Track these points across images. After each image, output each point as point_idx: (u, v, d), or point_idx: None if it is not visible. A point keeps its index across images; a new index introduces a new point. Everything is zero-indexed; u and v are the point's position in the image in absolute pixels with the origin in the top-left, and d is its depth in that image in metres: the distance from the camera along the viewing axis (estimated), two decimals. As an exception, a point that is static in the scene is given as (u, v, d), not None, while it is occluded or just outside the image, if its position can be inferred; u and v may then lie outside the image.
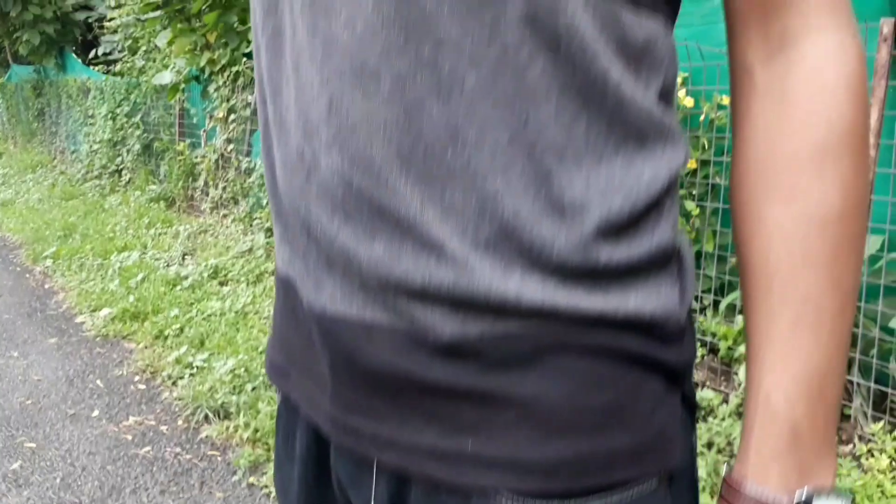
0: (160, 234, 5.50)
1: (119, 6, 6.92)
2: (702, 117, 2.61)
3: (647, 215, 0.47)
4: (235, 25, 5.38)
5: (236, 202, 5.69)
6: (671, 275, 0.49)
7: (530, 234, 0.44)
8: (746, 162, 0.48)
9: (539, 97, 0.44)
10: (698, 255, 2.69)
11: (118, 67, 7.59)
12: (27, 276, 4.66)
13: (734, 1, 0.48)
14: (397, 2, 0.43)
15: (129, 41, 7.13)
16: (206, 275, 4.31)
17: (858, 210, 0.46)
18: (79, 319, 3.77)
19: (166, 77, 5.93)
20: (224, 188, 5.80)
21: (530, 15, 0.43)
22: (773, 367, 0.46)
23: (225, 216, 5.72)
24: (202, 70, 5.77)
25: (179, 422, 2.63)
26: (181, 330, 3.43)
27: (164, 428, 2.60)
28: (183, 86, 6.05)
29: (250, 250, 4.71)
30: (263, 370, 2.91)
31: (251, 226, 5.21)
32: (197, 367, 2.99)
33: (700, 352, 2.66)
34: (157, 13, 5.81)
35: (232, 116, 5.55)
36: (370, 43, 0.44)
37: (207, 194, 6.02)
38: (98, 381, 2.99)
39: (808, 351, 0.45)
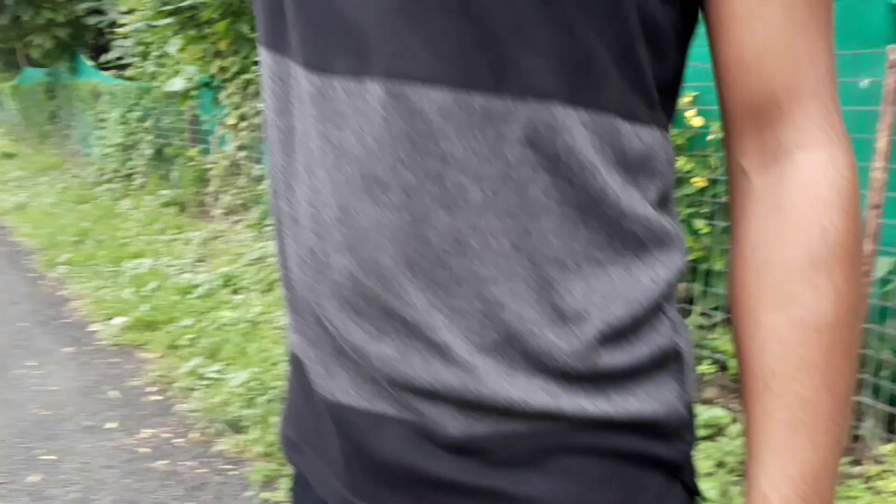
0: (172, 241, 5.55)
1: (130, 12, 6.97)
2: (710, 136, 2.63)
3: (647, 319, 0.49)
4: (246, 33, 5.42)
5: (247, 208, 5.73)
6: (671, 373, 0.52)
7: (534, 341, 0.47)
8: (743, 266, 0.50)
9: (540, 210, 0.46)
10: (707, 273, 2.71)
11: (130, 72, 7.64)
12: (42, 282, 4.71)
13: (730, 109, 0.50)
14: (404, 118, 0.46)
15: (141, 47, 7.17)
16: (218, 283, 4.35)
17: (851, 317, 0.48)
18: (93, 328, 3.81)
19: (178, 84, 5.98)
20: (235, 194, 5.86)
21: (530, 136, 0.45)
22: (770, 467, 0.48)
23: (236, 222, 5.77)
24: (213, 77, 5.83)
25: (193, 435, 2.67)
26: (194, 340, 3.47)
27: (178, 441, 2.63)
28: (194, 92, 6.10)
29: (262, 258, 4.75)
30: (275, 382, 2.96)
31: (262, 232, 5.25)
32: (210, 379, 3.03)
33: (710, 369, 2.68)
34: (169, 20, 5.87)
35: (243, 124, 5.60)
36: (379, 155, 0.47)
37: (219, 200, 6.07)
38: (113, 392, 3.03)
39: (804, 453, 0.47)
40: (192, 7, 5.60)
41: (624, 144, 0.48)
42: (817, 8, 0.47)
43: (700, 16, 0.51)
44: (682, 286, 2.82)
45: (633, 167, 0.49)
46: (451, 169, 0.46)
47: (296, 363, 0.59)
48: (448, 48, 0.45)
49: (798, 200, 0.47)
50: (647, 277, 0.49)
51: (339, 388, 0.52)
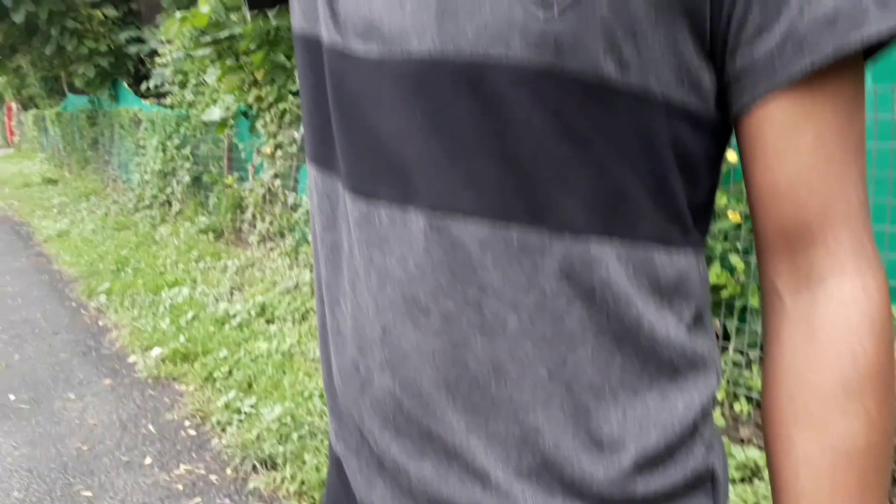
0: (209, 269, 5.63)
1: (170, 42, 7.13)
2: (746, 172, 2.60)
3: (682, 443, 0.49)
4: (283, 63, 5.51)
5: (283, 236, 5.80)
6: (706, 493, 0.51)
7: (571, 467, 0.47)
8: (776, 388, 0.50)
9: (576, 340, 0.47)
10: (744, 309, 2.67)
11: (169, 100, 7.81)
12: (82, 311, 4.80)
13: (763, 231, 0.50)
14: (445, 248, 0.47)
15: (180, 75, 7.33)
16: (253, 312, 4.40)
17: (883, 444, 0.48)
18: (131, 359, 3.88)
19: (215, 113, 6.09)
20: (271, 222, 5.93)
21: (566, 269, 0.46)
22: None
23: (271, 249, 5.84)
24: (250, 106, 5.93)
25: (228, 471, 2.69)
26: (230, 372, 3.51)
27: (213, 477, 2.66)
28: (231, 121, 6.21)
29: (296, 287, 4.80)
30: (308, 418, 2.98)
31: (297, 259, 5.31)
32: (245, 414, 3.06)
33: (746, 408, 2.64)
34: (207, 51, 5.99)
35: (279, 152, 5.67)
36: (420, 281, 0.48)
37: (255, 227, 6.15)
38: (150, 426, 3.08)
39: None
40: (230, 38, 5.71)
41: (658, 272, 0.48)
42: (848, 136, 0.47)
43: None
44: (716, 323, 2.78)
45: (668, 292, 0.49)
46: (490, 298, 0.47)
47: (336, 465, 0.60)
48: (486, 184, 0.47)
49: (830, 327, 0.48)
50: (682, 402, 0.50)
51: (379, 498, 0.53)
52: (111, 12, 9.33)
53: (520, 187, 0.46)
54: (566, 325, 0.47)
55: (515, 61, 0.45)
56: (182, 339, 3.96)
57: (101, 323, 4.55)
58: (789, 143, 0.47)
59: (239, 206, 6.48)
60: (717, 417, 2.65)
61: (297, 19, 0.60)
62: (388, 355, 0.50)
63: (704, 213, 0.53)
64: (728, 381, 2.70)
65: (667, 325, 0.49)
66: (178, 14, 6.26)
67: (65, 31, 9.09)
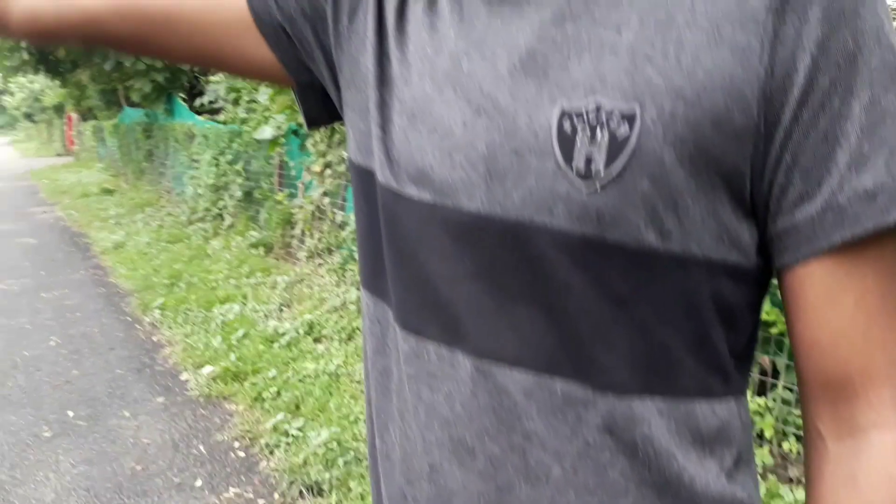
0: (259, 284, 5.74)
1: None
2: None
3: None
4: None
5: (330, 252, 5.89)
6: None
7: None
8: None
9: (618, 491, 0.49)
10: (776, 369, 2.65)
11: (222, 116, 7.98)
12: (137, 326, 4.94)
13: (805, 379, 0.52)
14: (490, 393, 0.50)
15: (233, 93, 7.49)
16: (301, 331, 4.48)
17: None
18: (184, 377, 3.98)
19: (266, 132, 6.21)
20: (319, 238, 6.02)
21: (609, 424, 0.48)
22: None
23: (319, 265, 5.93)
24: (300, 125, 6.04)
25: (276, 496, 2.75)
26: (278, 393, 3.58)
27: (261, 502, 2.72)
28: (282, 140, 6.33)
29: (343, 305, 4.86)
30: (354, 443, 3.02)
31: (344, 277, 5.38)
32: (292, 437, 3.12)
33: (794, 447, 2.60)
34: (260, 71, 6.12)
35: (328, 171, 5.77)
36: (467, 422, 0.51)
37: (304, 243, 6.25)
38: (201, 447, 3.16)
39: None
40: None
41: (700, 424, 0.50)
42: (890, 296, 0.48)
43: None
44: (764, 359, 2.75)
45: (709, 441, 0.51)
46: (534, 445, 0.50)
47: None
48: (532, 336, 0.49)
49: (873, 478, 0.49)
50: None
51: None
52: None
53: (563, 342, 0.49)
54: (609, 476, 0.49)
55: (559, 228, 0.47)
56: (233, 357, 4.06)
57: (154, 338, 4.67)
58: (831, 302, 0.48)
59: (289, 222, 6.60)
60: (765, 455, 2.62)
61: (353, 150, 0.63)
62: (435, 492, 0.53)
63: (746, 355, 0.54)
64: (777, 419, 2.67)
65: (707, 475, 0.50)
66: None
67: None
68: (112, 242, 7.74)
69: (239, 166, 7.58)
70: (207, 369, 3.97)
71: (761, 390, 2.77)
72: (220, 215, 8.05)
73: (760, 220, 0.49)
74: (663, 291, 0.48)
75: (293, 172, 6.61)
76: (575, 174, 0.46)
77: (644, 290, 0.48)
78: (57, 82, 13.59)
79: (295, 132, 6.27)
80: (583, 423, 0.49)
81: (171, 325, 4.81)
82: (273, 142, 6.41)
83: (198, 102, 8.71)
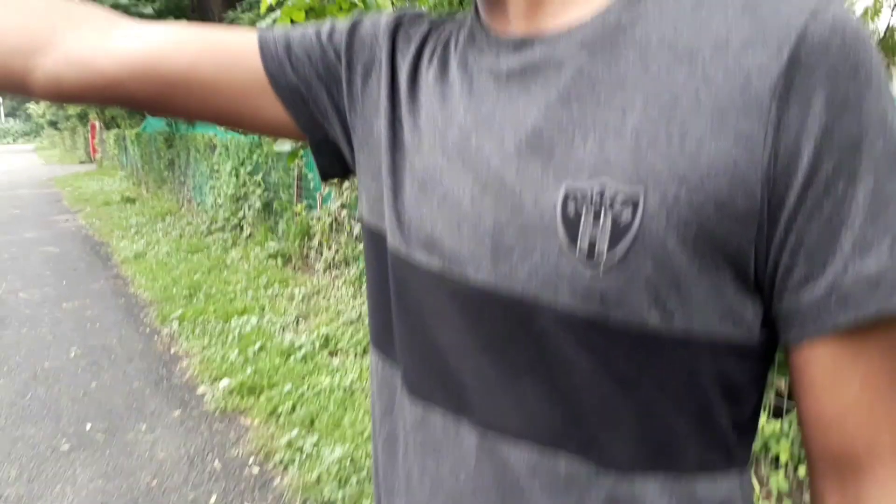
0: (277, 296, 5.77)
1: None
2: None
3: None
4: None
5: (347, 264, 5.91)
6: None
7: None
8: None
9: None
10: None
11: (242, 127, 8.05)
12: (155, 338, 4.98)
13: (812, 454, 0.51)
14: (495, 467, 0.50)
15: (253, 105, 7.57)
16: (317, 344, 4.50)
17: None
18: (200, 390, 4.00)
19: (286, 145, 6.24)
20: (337, 250, 6.05)
21: (611, 502, 0.48)
22: None
23: (336, 277, 5.96)
24: (319, 137, 6.09)
25: (290, 514, 2.76)
26: (293, 408, 3.60)
27: (275, 520, 2.73)
28: (301, 152, 6.37)
29: (359, 318, 4.88)
30: (367, 461, 3.03)
31: (360, 289, 5.40)
32: (307, 453, 3.13)
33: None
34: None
35: (346, 183, 5.79)
36: (471, 497, 0.51)
37: (321, 254, 6.29)
38: (216, 462, 3.17)
39: None
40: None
41: (701, 499, 0.50)
42: (895, 374, 0.48)
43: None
44: (781, 381, 2.72)
45: None
46: None
47: None
48: (536, 411, 0.49)
49: None
50: None
51: None
52: (190, 40, 9.67)
53: (568, 418, 0.49)
54: None
55: (563, 307, 0.47)
56: (249, 370, 4.08)
57: (172, 350, 4.71)
58: (837, 381, 0.48)
59: (307, 234, 6.64)
60: (780, 481, 2.59)
61: (365, 210, 0.64)
62: None
63: (750, 427, 0.54)
64: (792, 443, 2.64)
65: None
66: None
67: (146, 59, 9.46)
68: (132, 252, 7.82)
69: (259, 177, 7.64)
70: (224, 383, 4.00)
71: (777, 413, 2.75)
72: (240, 225, 8.11)
73: (765, 296, 0.49)
74: (667, 371, 0.48)
75: (312, 184, 6.66)
76: (579, 255, 0.47)
77: (648, 370, 0.48)
78: (81, 91, 13.75)
79: (314, 144, 6.32)
80: (585, 501, 0.48)
81: (189, 337, 4.84)
82: (292, 154, 6.46)
83: (218, 113, 8.78)
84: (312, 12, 5.34)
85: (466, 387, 0.52)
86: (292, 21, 5.32)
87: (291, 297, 5.66)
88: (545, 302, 0.48)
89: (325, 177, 0.74)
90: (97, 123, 20.85)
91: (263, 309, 5.40)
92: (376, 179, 0.62)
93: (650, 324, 0.47)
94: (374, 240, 0.62)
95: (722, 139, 0.45)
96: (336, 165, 0.73)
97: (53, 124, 33.63)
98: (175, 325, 5.13)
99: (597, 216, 0.46)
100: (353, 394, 3.75)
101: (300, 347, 4.45)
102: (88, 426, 3.57)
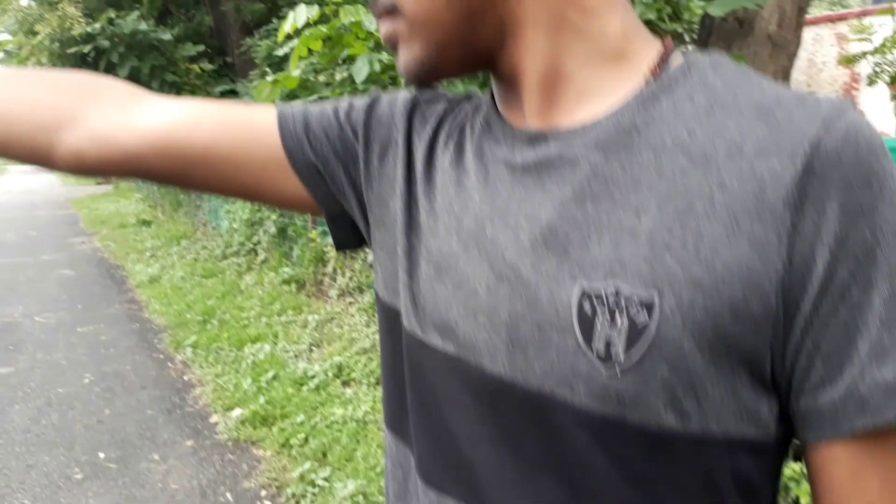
0: (290, 322, 5.78)
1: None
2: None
3: None
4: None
5: (361, 291, 5.92)
6: None
7: None
8: None
9: None
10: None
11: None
12: (169, 365, 5.00)
13: None
14: None
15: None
16: (330, 374, 4.49)
17: None
18: (213, 419, 4.01)
19: (301, 171, 6.33)
20: (350, 277, 6.07)
21: None
22: None
23: (350, 304, 5.97)
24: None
25: (301, 549, 2.74)
26: (306, 439, 3.59)
27: (286, 555, 2.72)
28: (316, 179, 6.43)
29: (373, 346, 4.88)
30: (380, 497, 3.01)
31: (373, 317, 5.41)
32: (319, 487, 3.12)
33: None
34: (296, 111, 6.25)
35: (360, 211, 5.83)
36: None
37: (335, 281, 6.31)
38: (228, 494, 3.17)
39: None
40: (318, 101, 5.95)
41: None
42: None
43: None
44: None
45: None
46: None
47: None
48: None
49: None
50: None
51: None
52: (207, 66, 9.82)
53: None
54: None
55: (579, 405, 0.48)
56: (262, 400, 4.08)
57: (186, 378, 4.72)
58: (855, 483, 0.48)
59: (321, 260, 6.67)
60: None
61: (380, 287, 0.65)
62: None
63: None
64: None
65: None
66: (269, 75, 6.54)
67: (164, 84, 9.61)
68: (147, 276, 7.87)
69: (273, 202, 7.70)
70: (237, 412, 4.00)
71: (797, 455, 2.71)
72: (254, 250, 8.15)
73: (782, 394, 0.49)
74: (684, 470, 0.48)
75: (326, 211, 6.70)
76: (595, 356, 0.47)
77: (664, 470, 0.48)
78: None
79: (329, 172, 6.37)
80: None
81: (203, 365, 4.85)
82: (307, 180, 6.52)
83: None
84: (329, 41, 5.41)
85: (480, 479, 0.52)
86: (310, 50, 5.38)
87: (305, 325, 5.67)
88: (561, 398, 0.48)
89: (341, 247, 0.75)
90: (115, 146, 21.04)
91: (277, 336, 5.41)
92: (392, 257, 0.63)
93: (667, 424, 0.47)
94: (389, 317, 0.63)
95: (737, 245, 0.45)
96: (352, 237, 0.74)
97: (72, 145, 33.99)
98: (189, 351, 5.15)
99: (612, 317, 0.47)
100: (365, 426, 3.74)
101: (313, 377, 4.45)
102: (102, 455, 3.58)
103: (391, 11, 0.55)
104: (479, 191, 0.57)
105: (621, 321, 0.46)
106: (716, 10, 3.22)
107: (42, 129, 0.68)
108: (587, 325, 0.47)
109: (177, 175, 0.70)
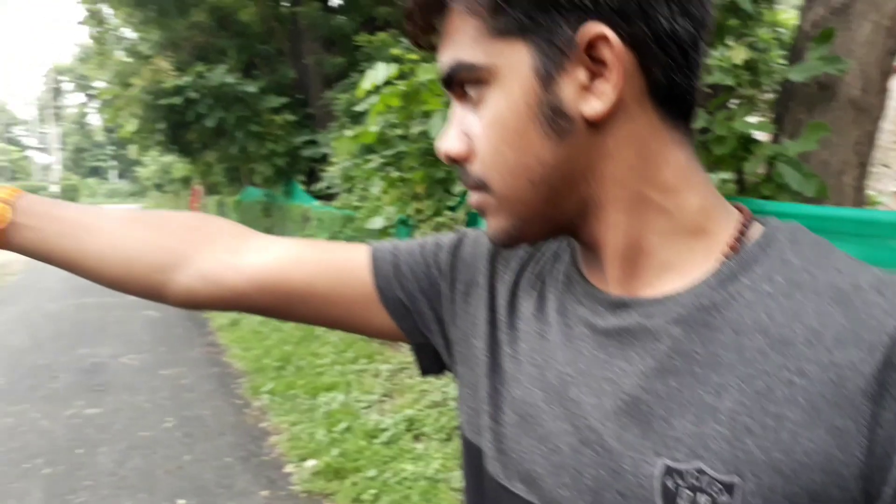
0: (363, 371, 5.87)
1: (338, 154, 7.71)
2: None
3: None
4: (441, 178, 5.80)
5: (433, 343, 5.98)
6: None
7: None
8: None
9: None
10: None
11: (336, 201, 8.35)
12: (246, 411, 5.13)
13: None
14: None
15: (348, 182, 7.85)
16: (402, 426, 4.54)
17: None
18: (287, 469, 4.09)
19: (378, 223, 6.46)
20: (423, 328, 6.14)
21: None
22: None
23: (422, 355, 6.03)
24: (409, 216, 6.25)
25: None
26: (377, 496, 3.63)
27: None
28: (392, 230, 6.56)
29: (443, 401, 4.90)
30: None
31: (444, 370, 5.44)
32: (389, 546, 3.14)
33: None
34: (373, 165, 6.42)
35: (433, 263, 5.92)
36: None
37: (407, 331, 6.38)
38: (301, 549, 3.23)
39: None
40: (395, 155, 6.11)
41: None
42: None
43: None
44: None
45: None
46: None
47: None
48: None
49: None
50: None
51: None
52: (289, 117, 10.21)
53: None
54: None
55: None
56: (335, 452, 4.14)
57: (262, 425, 4.84)
58: None
59: (394, 309, 6.76)
60: None
61: (464, 423, 0.69)
62: None
63: None
64: None
65: None
66: (348, 126, 6.77)
67: (249, 134, 10.03)
68: (228, 319, 8.11)
69: (349, 250, 7.87)
70: (310, 463, 4.07)
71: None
72: (330, 296, 8.32)
73: None
74: None
75: (400, 261, 6.81)
76: None
77: None
78: (187, 160, 14.61)
79: (404, 222, 6.48)
80: None
81: (279, 413, 4.96)
82: (383, 230, 6.65)
83: (315, 187, 9.15)
84: (406, 97, 5.53)
85: None
86: (388, 107, 5.51)
87: (377, 374, 5.75)
88: None
89: (426, 372, 0.81)
90: (199, 188, 21.90)
91: (350, 385, 5.49)
92: (474, 396, 0.68)
93: None
94: (472, 453, 0.67)
95: (816, 432, 0.48)
96: (435, 365, 0.79)
97: (159, 187, 35.53)
98: (265, 398, 5.28)
99: (694, 494, 0.50)
100: (436, 484, 3.75)
101: (385, 430, 4.49)
102: (181, 502, 3.69)
103: (481, 186, 0.60)
104: (562, 347, 0.61)
105: (703, 500, 0.49)
106: (797, 76, 3.20)
107: (158, 269, 0.76)
108: (670, 500, 0.50)
109: (278, 310, 0.77)
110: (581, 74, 0.54)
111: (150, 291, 0.77)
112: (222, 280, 0.76)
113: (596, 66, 0.54)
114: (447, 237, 0.78)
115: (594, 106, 0.54)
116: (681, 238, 0.57)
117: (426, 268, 0.76)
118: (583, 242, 0.63)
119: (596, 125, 0.55)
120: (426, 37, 0.62)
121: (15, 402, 5.32)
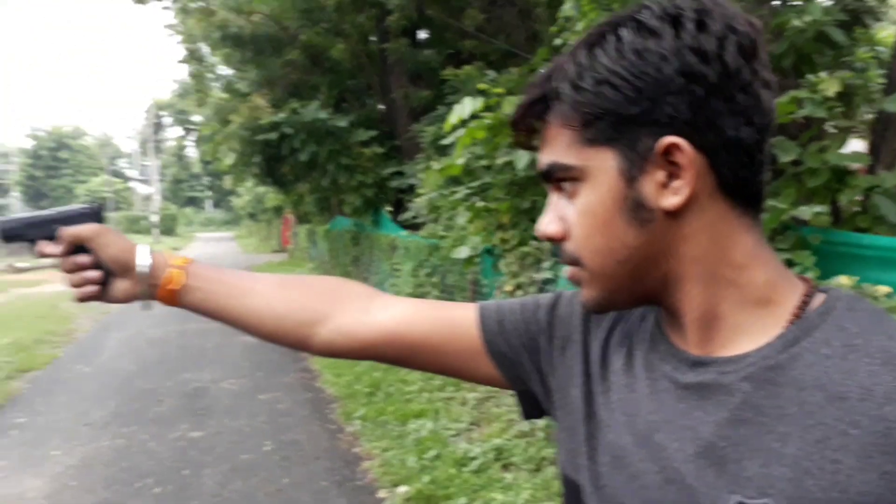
0: (450, 399, 5.98)
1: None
2: None
3: None
4: (526, 208, 5.89)
5: (520, 371, 6.04)
6: None
7: None
8: None
9: None
10: None
11: (422, 231, 8.55)
12: (339, 436, 5.32)
13: None
14: None
15: (433, 213, 8.03)
16: (490, 455, 4.61)
17: None
18: (380, 494, 4.22)
19: (463, 252, 6.60)
20: (509, 357, 6.20)
21: None
22: None
23: (509, 383, 6.08)
24: (494, 246, 6.37)
25: None
26: (467, 523, 3.71)
27: None
28: (477, 259, 6.69)
29: (532, 431, 4.96)
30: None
31: (533, 398, 5.48)
32: (480, 573, 3.21)
33: None
34: (460, 195, 6.58)
35: (519, 291, 5.99)
36: None
37: (494, 359, 6.46)
38: (395, 573, 3.33)
39: None
40: (481, 186, 6.26)
41: None
42: None
43: None
44: None
45: None
46: None
47: None
48: None
49: None
50: None
51: None
52: (378, 150, 10.53)
53: None
54: None
55: None
56: (425, 479, 4.25)
57: (355, 450, 5.00)
58: None
59: (480, 337, 6.85)
60: None
61: (563, 461, 0.79)
62: None
63: None
64: None
65: None
66: (434, 158, 6.94)
67: (339, 167, 10.39)
68: (319, 346, 8.36)
69: (436, 279, 8.04)
70: (402, 489, 4.19)
71: None
72: (417, 324, 8.48)
73: None
74: None
75: (485, 289, 6.91)
76: None
77: None
78: (280, 191, 15.19)
79: (489, 251, 6.60)
80: None
81: (370, 438, 5.12)
82: (469, 260, 6.79)
83: (402, 216, 9.39)
84: (492, 129, 5.67)
85: None
86: (474, 139, 5.65)
87: (464, 402, 5.85)
88: None
89: (528, 417, 0.92)
90: (290, 217, 22.65)
91: (438, 412, 5.61)
92: (573, 438, 0.78)
93: None
94: (571, 487, 0.77)
95: (868, 475, 0.56)
96: (535, 410, 0.91)
97: (252, 216, 36.92)
98: (357, 424, 5.45)
99: None
100: (524, 512, 3.81)
101: (474, 458, 4.58)
102: (280, 524, 3.87)
103: (575, 262, 0.72)
104: (648, 400, 0.71)
105: None
106: (892, 106, 3.16)
107: (304, 324, 0.93)
108: None
109: (400, 359, 0.92)
110: (660, 175, 0.65)
111: (298, 343, 0.94)
112: (356, 334, 0.91)
113: (672, 167, 0.64)
114: (545, 297, 0.90)
115: (671, 200, 0.65)
116: (750, 307, 0.67)
117: (526, 325, 0.88)
118: (665, 308, 0.73)
119: (674, 214, 0.66)
120: (529, 141, 0.74)
121: (125, 424, 5.67)
